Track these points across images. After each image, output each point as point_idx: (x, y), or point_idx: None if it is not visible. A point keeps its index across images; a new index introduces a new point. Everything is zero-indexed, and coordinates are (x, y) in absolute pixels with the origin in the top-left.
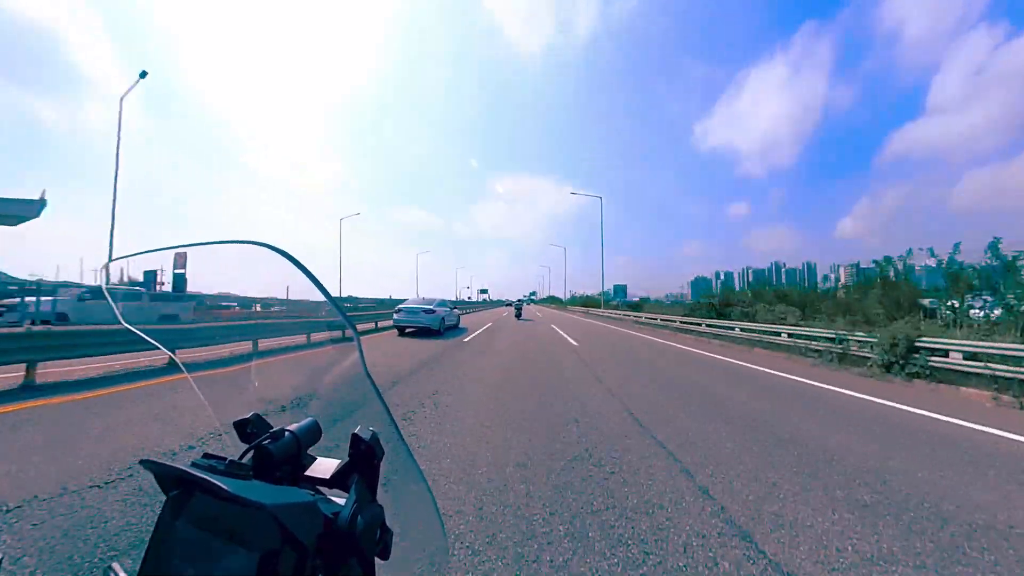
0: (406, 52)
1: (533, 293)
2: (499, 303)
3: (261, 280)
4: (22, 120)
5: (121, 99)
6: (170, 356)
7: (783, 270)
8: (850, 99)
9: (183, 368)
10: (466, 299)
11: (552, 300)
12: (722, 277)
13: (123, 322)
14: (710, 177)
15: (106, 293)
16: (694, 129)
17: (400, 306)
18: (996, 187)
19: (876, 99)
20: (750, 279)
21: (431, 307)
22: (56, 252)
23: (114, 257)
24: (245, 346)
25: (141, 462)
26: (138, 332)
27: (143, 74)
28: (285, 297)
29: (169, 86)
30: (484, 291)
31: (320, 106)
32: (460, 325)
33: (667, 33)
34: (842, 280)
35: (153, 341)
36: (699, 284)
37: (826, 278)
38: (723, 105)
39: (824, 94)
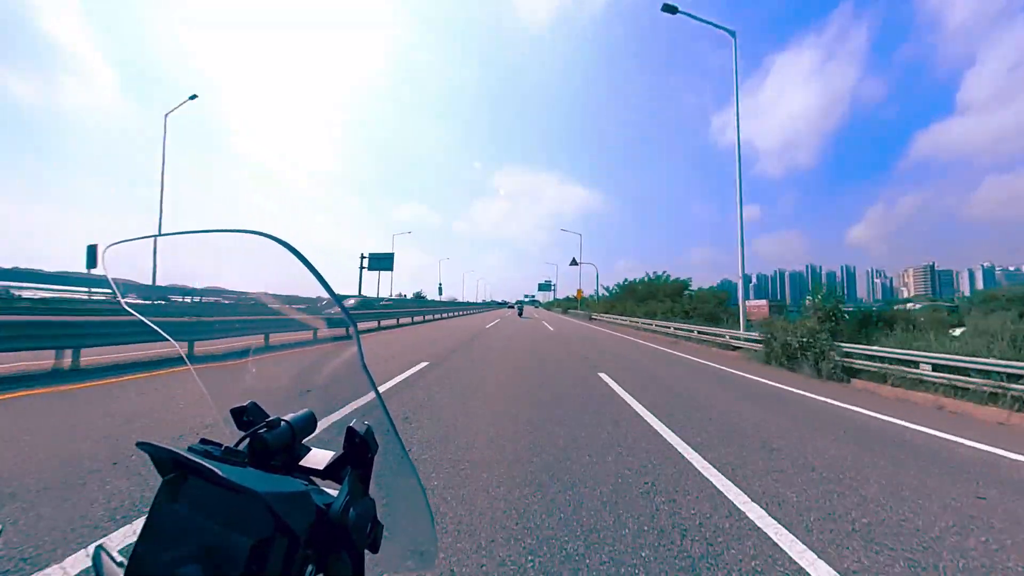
0: (404, 30)
1: (546, 286)
2: (494, 305)
3: (261, 271)
4: None
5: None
6: (176, 347)
7: (822, 272)
8: (880, 94)
9: (186, 360)
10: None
11: (626, 290)
12: (754, 281)
13: (130, 310)
14: (724, 177)
15: (111, 282)
16: (712, 121)
17: None
18: (1015, 193)
19: (906, 94)
20: (786, 283)
21: None
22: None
23: (112, 242)
24: (246, 340)
25: (138, 444)
26: (148, 322)
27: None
28: (286, 289)
29: (161, 75)
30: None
31: (312, 92)
32: None
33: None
34: (911, 286)
35: (162, 332)
36: (724, 288)
37: (878, 285)
38: (745, 95)
39: (853, 87)
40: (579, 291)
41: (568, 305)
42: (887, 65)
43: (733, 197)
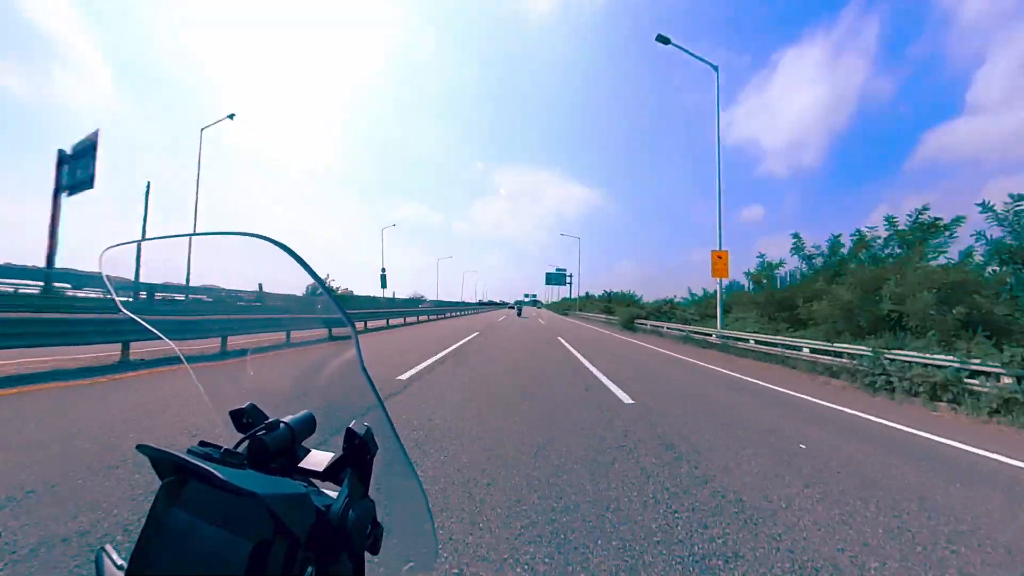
0: (404, 30)
1: (558, 278)
2: (475, 306)
3: (259, 273)
4: None
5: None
6: (172, 346)
7: None
8: (888, 92)
9: (183, 359)
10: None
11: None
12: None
13: (124, 311)
14: (728, 177)
15: (106, 282)
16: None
17: None
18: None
19: (916, 93)
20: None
21: None
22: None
23: (110, 245)
24: (244, 339)
25: (138, 447)
26: (141, 321)
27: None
28: (284, 291)
29: (161, 74)
30: None
31: (312, 92)
32: None
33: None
34: None
35: (155, 331)
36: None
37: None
38: (751, 94)
39: (861, 85)
40: (718, 253)
41: (620, 313)
42: (896, 63)
43: (735, 199)
